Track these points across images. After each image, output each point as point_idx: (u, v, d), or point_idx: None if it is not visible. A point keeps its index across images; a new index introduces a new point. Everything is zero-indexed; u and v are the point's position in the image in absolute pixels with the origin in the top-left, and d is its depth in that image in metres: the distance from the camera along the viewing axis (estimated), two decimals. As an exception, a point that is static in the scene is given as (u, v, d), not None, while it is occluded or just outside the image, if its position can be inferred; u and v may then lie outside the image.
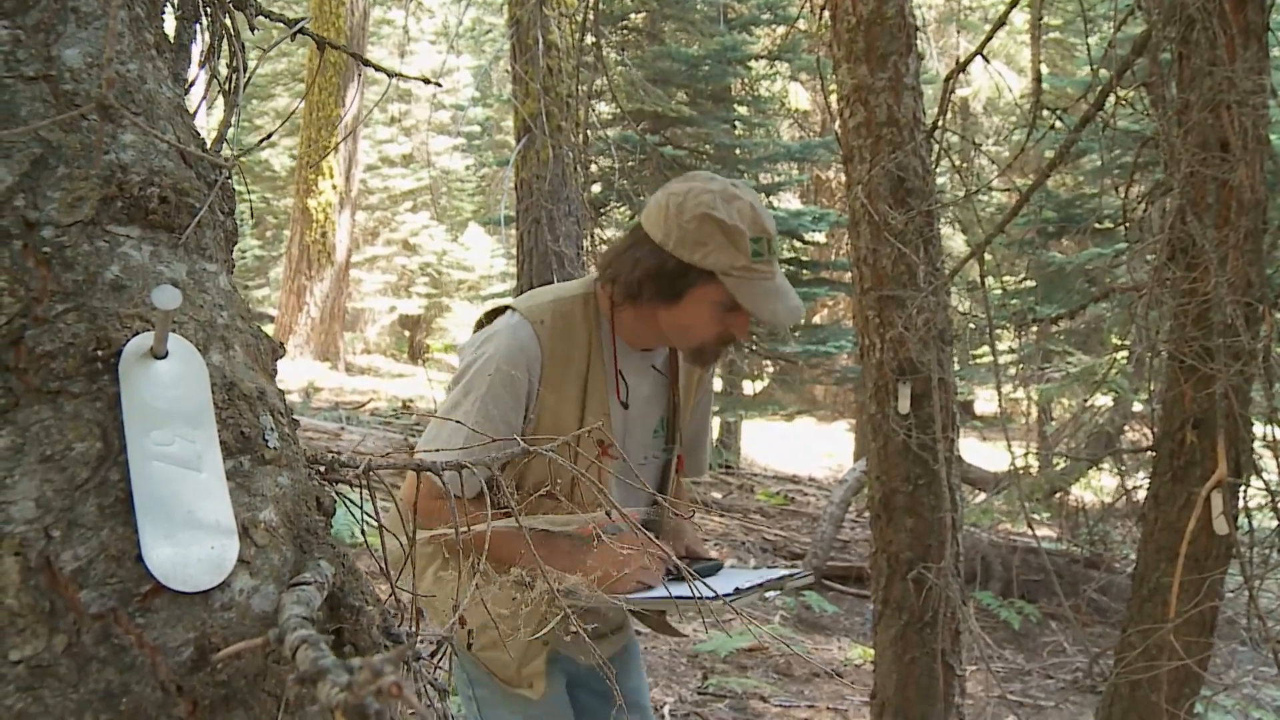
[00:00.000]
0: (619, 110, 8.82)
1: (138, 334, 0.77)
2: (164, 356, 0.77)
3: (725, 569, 2.29)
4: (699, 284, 2.12)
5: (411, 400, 13.34)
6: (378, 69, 1.21)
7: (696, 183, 2.16)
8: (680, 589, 2.09)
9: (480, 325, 2.30)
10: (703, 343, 2.22)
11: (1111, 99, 3.51)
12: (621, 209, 11.03)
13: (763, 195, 12.28)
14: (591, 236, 7.31)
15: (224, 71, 1.09)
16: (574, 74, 7.60)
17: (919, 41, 4.42)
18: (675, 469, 2.49)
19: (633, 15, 11.16)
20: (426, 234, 21.41)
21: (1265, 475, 3.46)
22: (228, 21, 1.07)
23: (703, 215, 2.09)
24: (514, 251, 9.08)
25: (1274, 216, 3.62)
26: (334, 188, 15.30)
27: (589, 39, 5.41)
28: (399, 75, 1.20)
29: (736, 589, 2.13)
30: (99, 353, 0.76)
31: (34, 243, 0.76)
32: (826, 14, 4.42)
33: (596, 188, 10.57)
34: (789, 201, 14.42)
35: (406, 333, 23.34)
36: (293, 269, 15.51)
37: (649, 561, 2.11)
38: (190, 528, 0.75)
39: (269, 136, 1.20)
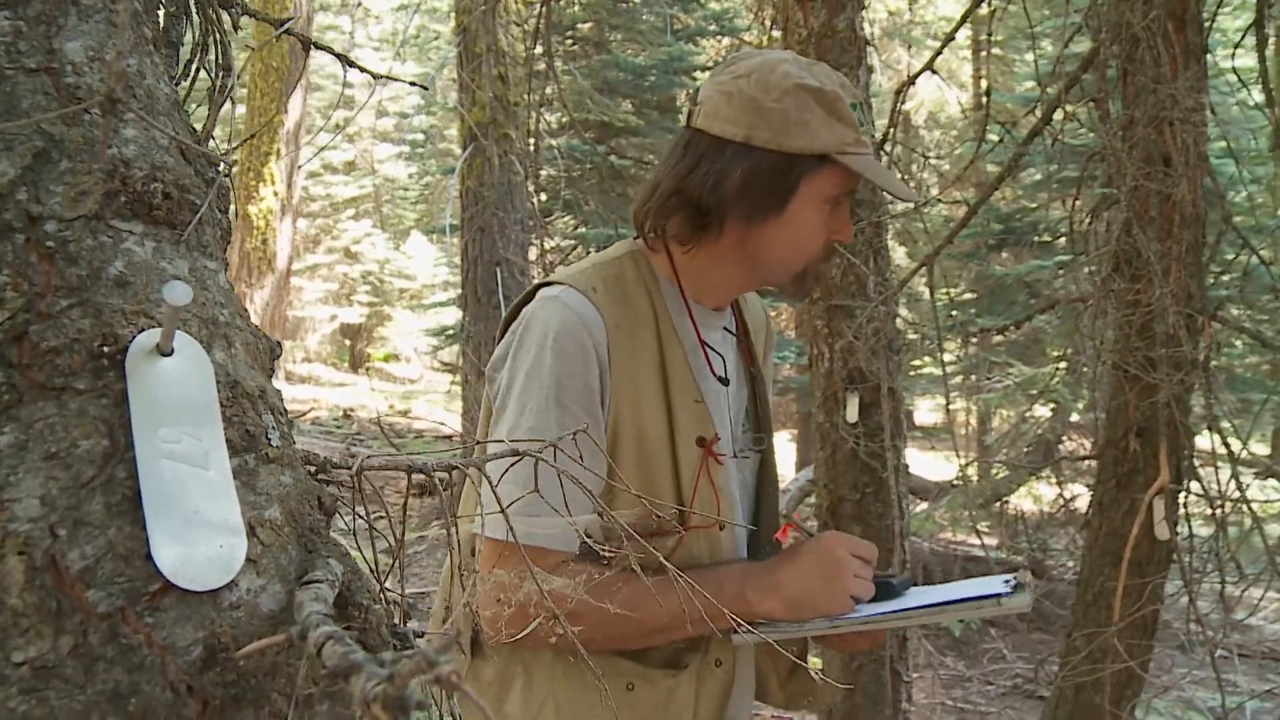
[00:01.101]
0: (566, 119, 8.84)
1: (143, 330, 0.77)
2: (170, 353, 0.77)
3: (915, 586, 1.76)
4: (806, 176, 1.60)
5: (352, 409, 13.21)
6: (362, 70, 1.21)
7: (760, 56, 1.66)
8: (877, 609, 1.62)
9: (507, 327, 1.71)
10: (808, 260, 1.68)
11: (1059, 114, 3.60)
12: (566, 218, 11.04)
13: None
14: (540, 245, 7.30)
15: (207, 70, 1.09)
16: (521, 82, 7.60)
17: (869, 55, 4.49)
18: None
19: (580, 25, 11.18)
20: (369, 242, 21.25)
21: (1205, 482, 3.55)
22: (215, 20, 1.06)
23: (794, 87, 1.58)
24: (457, 260, 9.05)
25: (1210, 231, 3.72)
26: (275, 194, 15.12)
27: (539, 48, 5.41)
28: (386, 78, 1.19)
29: (945, 601, 1.61)
30: (105, 349, 0.75)
31: (37, 237, 0.75)
32: (765, 32, 4.47)
33: (542, 196, 10.56)
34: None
35: (348, 341, 23.12)
36: (233, 276, 15.27)
37: (859, 570, 1.61)
38: (199, 526, 0.74)
39: (251, 137, 1.19)
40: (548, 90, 6.16)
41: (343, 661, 0.57)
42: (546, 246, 7.16)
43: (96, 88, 0.78)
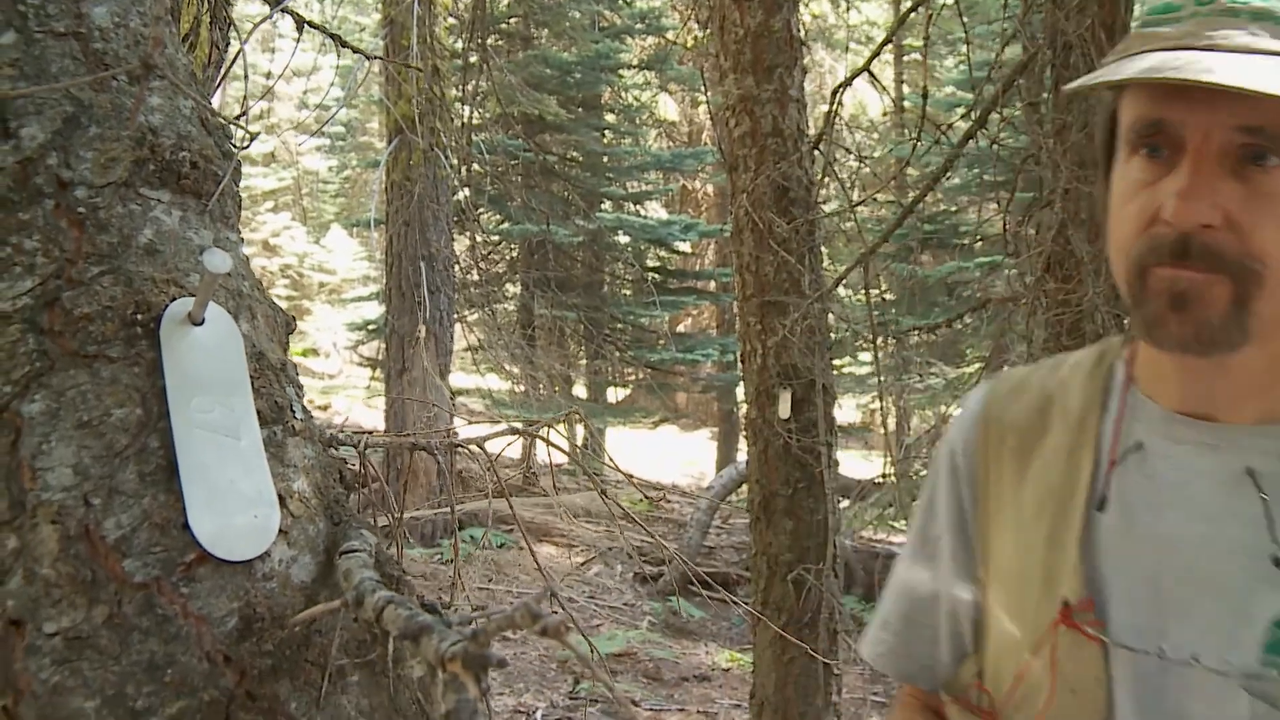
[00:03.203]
0: (495, 114, 8.79)
1: (175, 299, 0.76)
2: (201, 323, 0.76)
3: None
4: (1114, 134, 0.96)
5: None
6: (355, 50, 1.21)
7: None
8: None
9: None
10: (1128, 260, 0.91)
11: (993, 117, 3.68)
12: (489, 213, 10.99)
13: (630, 204, 12.48)
14: (472, 239, 7.25)
15: (205, 48, 1.07)
16: (447, 76, 7.54)
17: (804, 55, 4.54)
18: None
19: (508, 20, 11.15)
20: (288, 235, 20.88)
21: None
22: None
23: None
24: (378, 255, 8.93)
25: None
26: (190, 184, 14.76)
27: (474, 42, 5.39)
28: (382, 59, 1.19)
29: None
30: (138, 317, 0.74)
31: (67, 203, 0.74)
32: (702, 28, 4.50)
33: (466, 191, 10.50)
34: (656, 211, 14.58)
35: (262, 335, 22.60)
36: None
37: None
38: (234, 497, 0.73)
39: (242, 115, 1.18)
40: (481, 83, 6.14)
41: (409, 624, 0.58)
42: (475, 240, 7.12)
43: (123, 54, 0.77)
